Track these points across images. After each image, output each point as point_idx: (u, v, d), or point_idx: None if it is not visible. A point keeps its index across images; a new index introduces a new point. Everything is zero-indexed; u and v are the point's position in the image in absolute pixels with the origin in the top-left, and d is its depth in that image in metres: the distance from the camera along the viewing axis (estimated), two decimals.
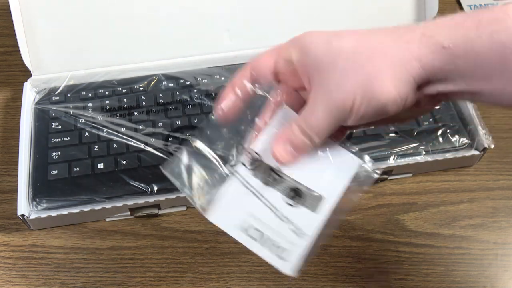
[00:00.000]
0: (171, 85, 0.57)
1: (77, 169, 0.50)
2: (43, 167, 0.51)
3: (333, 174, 0.35)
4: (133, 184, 0.50)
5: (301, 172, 0.35)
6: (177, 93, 0.56)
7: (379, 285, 0.48)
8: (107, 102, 0.55)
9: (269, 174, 0.35)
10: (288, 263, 0.34)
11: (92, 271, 0.49)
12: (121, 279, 0.48)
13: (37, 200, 0.49)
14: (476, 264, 0.49)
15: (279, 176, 0.35)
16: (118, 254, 0.49)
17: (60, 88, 0.56)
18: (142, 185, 0.50)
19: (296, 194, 0.35)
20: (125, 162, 0.51)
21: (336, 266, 0.49)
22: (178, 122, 0.54)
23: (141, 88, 0.57)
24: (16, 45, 0.56)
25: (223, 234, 0.51)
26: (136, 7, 0.57)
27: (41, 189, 0.49)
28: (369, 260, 0.49)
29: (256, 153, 0.35)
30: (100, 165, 0.51)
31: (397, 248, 0.50)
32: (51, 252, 0.50)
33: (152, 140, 0.52)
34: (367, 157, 0.36)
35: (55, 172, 0.50)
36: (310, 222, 0.35)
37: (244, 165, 0.36)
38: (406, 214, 0.52)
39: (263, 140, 0.36)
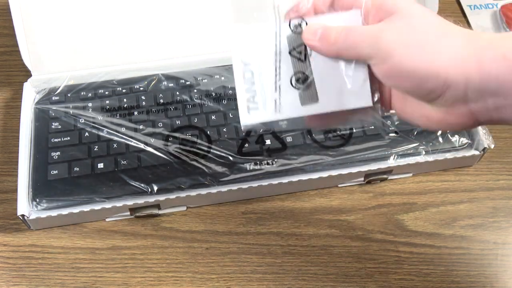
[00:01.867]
0: (171, 85, 0.57)
1: (77, 169, 0.50)
2: (43, 167, 0.51)
3: (342, 92, 0.36)
4: (133, 184, 0.50)
5: (322, 70, 0.36)
6: (177, 93, 0.56)
7: (379, 285, 0.48)
8: (107, 102, 0.55)
9: (300, 48, 0.36)
10: (247, 116, 0.36)
11: (92, 271, 0.49)
12: (121, 279, 0.48)
13: (37, 200, 0.49)
14: (476, 264, 0.49)
15: (305, 57, 0.36)
16: (118, 254, 0.49)
17: (60, 88, 0.56)
18: (142, 185, 0.50)
19: (303, 80, 0.36)
20: (125, 162, 0.51)
21: (336, 266, 0.49)
22: (178, 122, 0.54)
23: (141, 88, 0.57)
24: (16, 45, 0.56)
25: (223, 234, 0.51)
26: (136, 7, 0.57)
27: (41, 189, 0.49)
28: (369, 260, 0.49)
29: (306, 23, 0.36)
30: (100, 165, 0.51)
31: (397, 248, 0.50)
32: (51, 252, 0.50)
33: (152, 140, 0.52)
34: (379, 106, 0.36)
35: (55, 172, 0.50)
36: (292, 109, 0.36)
37: (289, 24, 0.36)
38: (406, 214, 0.52)
39: (319, 19, 0.36)
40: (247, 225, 0.51)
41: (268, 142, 0.52)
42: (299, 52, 0.36)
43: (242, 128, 0.36)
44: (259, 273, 0.49)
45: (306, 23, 0.36)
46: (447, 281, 0.48)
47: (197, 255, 0.50)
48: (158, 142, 0.52)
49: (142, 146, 0.52)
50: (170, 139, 0.52)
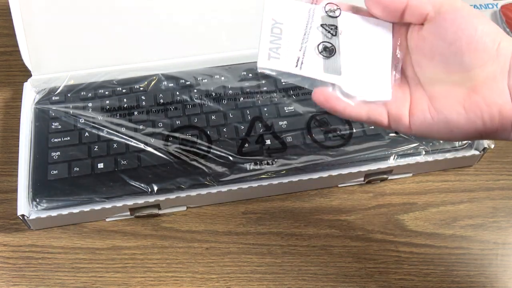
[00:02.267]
0: (171, 85, 0.57)
1: (77, 169, 0.50)
2: (43, 167, 0.51)
3: (363, 79, 0.37)
4: (133, 184, 0.50)
5: (349, 50, 0.37)
6: (177, 93, 0.56)
7: (379, 285, 0.48)
8: (107, 102, 0.55)
9: (331, 26, 0.37)
10: (266, 62, 0.36)
11: (92, 271, 0.49)
12: (121, 279, 0.48)
13: (37, 200, 0.49)
14: (476, 264, 0.49)
15: (335, 34, 0.37)
16: (118, 254, 0.49)
17: (60, 88, 0.56)
18: (142, 185, 0.50)
19: (330, 51, 0.37)
20: (125, 162, 0.51)
21: (336, 266, 0.49)
22: (178, 122, 0.54)
23: (141, 88, 0.57)
24: (16, 45, 0.56)
25: (223, 234, 0.51)
26: (136, 7, 0.57)
27: (41, 189, 0.49)
28: (369, 260, 0.49)
29: (340, 11, 0.38)
30: (100, 165, 0.51)
31: (397, 248, 0.50)
32: (51, 252, 0.50)
33: (152, 140, 0.52)
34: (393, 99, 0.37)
35: (55, 172, 0.50)
36: (312, 70, 0.36)
37: (324, 7, 0.38)
38: (406, 214, 0.52)
39: (351, 15, 0.38)
40: (247, 225, 0.51)
41: (268, 142, 0.52)
42: (330, 28, 0.37)
43: (258, 70, 0.37)
44: (259, 273, 0.49)
45: (340, 12, 0.38)
46: (447, 281, 0.48)
47: (197, 255, 0.50)
48: (158, 142, 0.52)
49: (142, 146, 0.52)
50: (170, 139, 0.52)
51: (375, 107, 0.36)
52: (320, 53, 0.37)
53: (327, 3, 0.38)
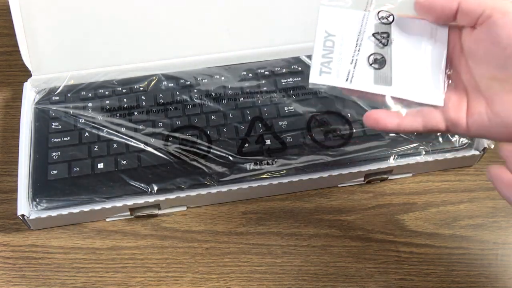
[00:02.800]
0: (171, 85, 0.57)
1: (77, 169, 0.50)
2: (43, 167, 0.51)
3: (416, 84, 0.37)
4: (133, 184, 0.50)
5: (401, 58, 0.38)
6: (177, 93, 0.56)
7: (379, 285, 0.48)
8: (107, 102, 0.55)
9: (383, 35, 0.38)
10: (317, 77, 0.37)
11: (92, 271, 0.49)
12: (121, 279, 0.48)
13: (37, 200, 0.49)
14: (476, 264, 0.49)
15: (387, 43, 0.38)
16: (118, 254, 0.49)
17: (60, 88, 0.56)
18: (142, 185, 0.50)
19: (381, 62, 0.38)
20: (125, 162, 0.51)
21: (336, 266, 0.49)
22: (178, 122, 0.54)
23: (141, 88, 0.57)
24: (16, 45, 0.56)
25: (223, 234, 0.51)
26: (136, 7, 0.57)
27: (41, 189, 0.49)
28: (369, 260, 0.49)
29: (393, 17, 0.38)
30: (100, 165, 0.51)
31: (397, 248, 0.50)
32: (51, 252, 0.50)
33: (152, 140, 0.52)
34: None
35: (55, 172, 0.50)
36: (362, 83, 0.37)
37: (377, 14, 0.38)
38: (406, 214, 0.52)
39: (405, 19, 0.38)
40: (247, 225, 0.51)
41: (268, 142, 0.52)
42: (382, 37, 0.38)
43: (310, 86, 0.38)
44: (259, 273, 0.48)
45: (393, 18, 0.38)
46: (447, 281, 0.48)
47: (197, 255, 0.50)
48: (158, 142, 0.52)
49: (142, 146, 0.52)
50: (170, 139, 0.52)
51: (430, 115, 0.37)
52: (370, 65, 0.37)
53: (380, 10, 0.38)
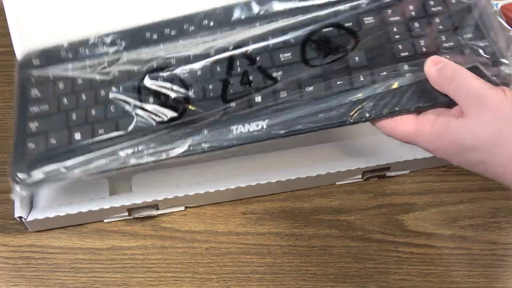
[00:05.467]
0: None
1: (54, 141, 0.46)
2: (23, 141, 0.47)
3: None
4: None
5: None
6: None
7: (379, 285, 0.48)
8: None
9: None
10: None
11: (92, 271, 0.49)
12: (120, 279, 0.48)
13: (19, 178, 0.44)
14: (476, 264, 0.49)
15: None
16: (117, 254, 0.49)
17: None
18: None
19: None
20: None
21: (336, 266, 0.49)
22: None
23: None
24: None
25: (223, 234, 0.51)
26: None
27: (21, 165, 0.45)
28: (369, 260, 0.49)
29: None
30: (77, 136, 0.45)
31: (397, 248, 0.50)
32: (50, 252, 0.50)
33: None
34: None
35: (32, 145, 0.46)
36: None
37: None
38: (406, 214, 0.52)
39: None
40: (247, 225, 0.51)
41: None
42: None
43: None
44: (259, 273, 0.48)
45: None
46: (447, 281, 0.48)
47: (197, 255, 0.50)
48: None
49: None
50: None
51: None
52: None
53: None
